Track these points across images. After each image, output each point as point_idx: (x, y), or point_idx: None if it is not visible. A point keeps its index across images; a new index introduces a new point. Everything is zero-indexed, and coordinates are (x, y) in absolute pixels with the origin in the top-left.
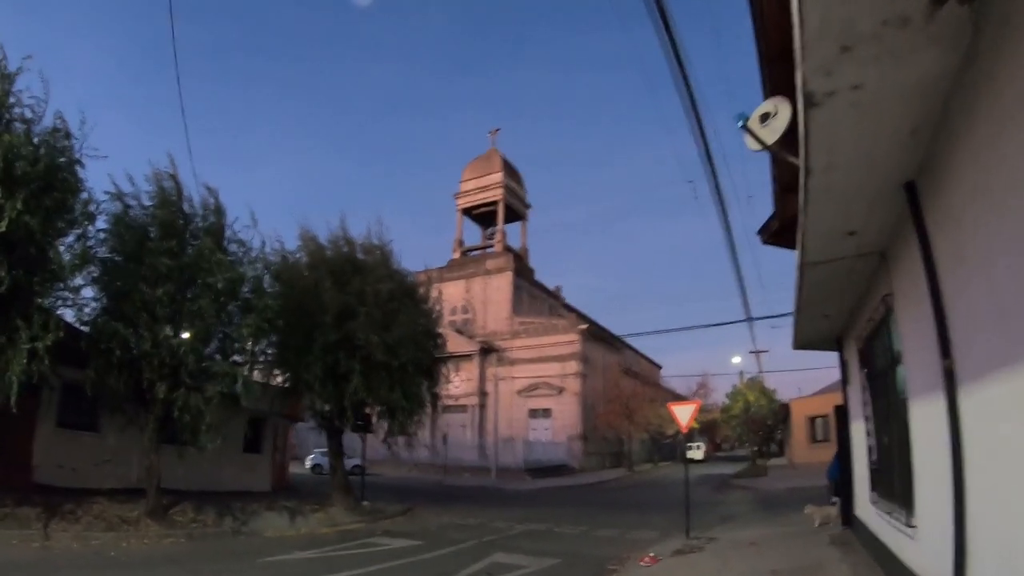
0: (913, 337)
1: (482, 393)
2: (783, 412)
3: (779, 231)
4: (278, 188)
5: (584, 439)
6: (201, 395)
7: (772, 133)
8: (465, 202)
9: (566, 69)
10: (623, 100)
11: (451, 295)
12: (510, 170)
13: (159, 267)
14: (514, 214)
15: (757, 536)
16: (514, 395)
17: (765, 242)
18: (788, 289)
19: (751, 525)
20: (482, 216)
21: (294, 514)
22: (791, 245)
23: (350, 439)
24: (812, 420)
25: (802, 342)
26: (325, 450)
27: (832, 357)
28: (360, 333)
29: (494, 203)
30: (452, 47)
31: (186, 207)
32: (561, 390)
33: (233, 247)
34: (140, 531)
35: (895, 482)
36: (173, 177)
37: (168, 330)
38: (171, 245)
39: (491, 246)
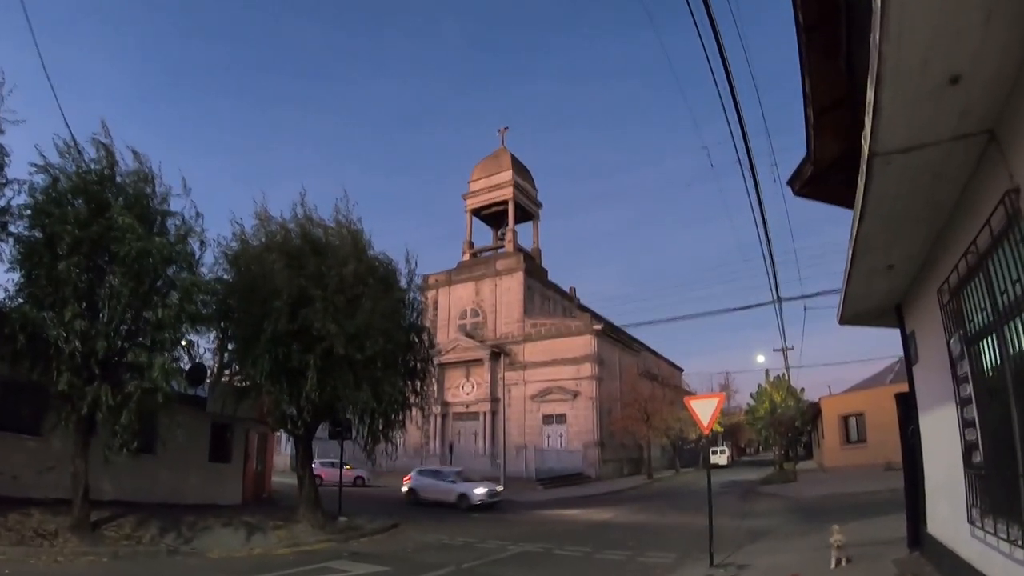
0: None
1: (493, 399)
2: (812, 412)
3: (814, 178)
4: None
5: (601, 445)
6: (112, 388)
7: None
8: (474, 202)
9: (581, 80)
10: (640, 106)
11: (461, 298)
12: (520, 168)
13: (64, 236)
14: (526, 214)
15: (798, 562)
16: (527, 400)
17: (797, 193)
18: (824, 264)
19: (787, 544)
20: (493, 216)
21: (253, 531)
22: (827, 197)
23: (348, 447)
24: (845, 419)
25: (851, 313)
26: (329, 460)
27: (871, 345)
28: (316, 322)
29: (504, 202)
30: (466, 62)
31: (120, 178)
32: (576, 394)
33: (171, 222)
34: (56, 547)
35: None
36: (105, 147)
37: (73, 311)
38: (79, 212)
39: (502, 247)
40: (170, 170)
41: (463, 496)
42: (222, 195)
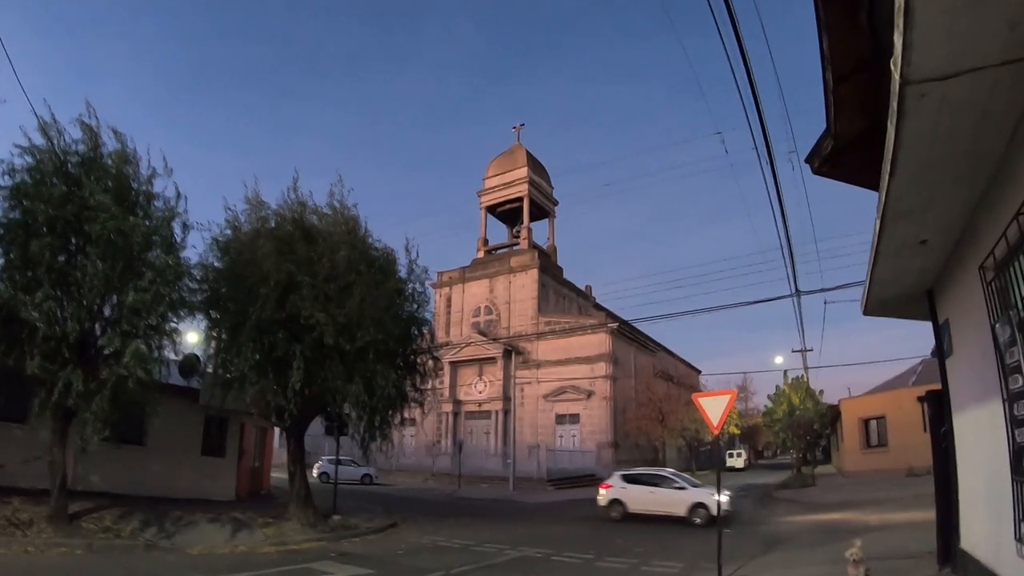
0: None
1: (506, 398)
2: (832, 415)
3: (835, 154)
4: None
5: (615, 446)
6: (85, 374)
7: None
8: (489, 199)
9: (597, 79)
10: (657, 106)
11: (475, 295)
12: (536, 165)
13: (38, 215)
14: (541, 211)
15: None
16: (540, 399)
17: (816, 171)
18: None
19: (803, 555)
20: (508, 214)
21: (240, 528)
22: (848, 176)
23: (351, 445)
24: (866, 423)
25: (877, 300)
26: (335, 457)
27: (894, 348)
28: (304, 310)
29: (519, 199)
30: (483, 62)
31: (104, 159)
32: (590, 394)
33: (156, 204)
34: (29, 538)
35: None
36: (90, 128)
37: (45, 293)
38: (53, 191)
39: (517, 244)
40: (175, 160)
41: (699, 506)
42: (236, 191)
